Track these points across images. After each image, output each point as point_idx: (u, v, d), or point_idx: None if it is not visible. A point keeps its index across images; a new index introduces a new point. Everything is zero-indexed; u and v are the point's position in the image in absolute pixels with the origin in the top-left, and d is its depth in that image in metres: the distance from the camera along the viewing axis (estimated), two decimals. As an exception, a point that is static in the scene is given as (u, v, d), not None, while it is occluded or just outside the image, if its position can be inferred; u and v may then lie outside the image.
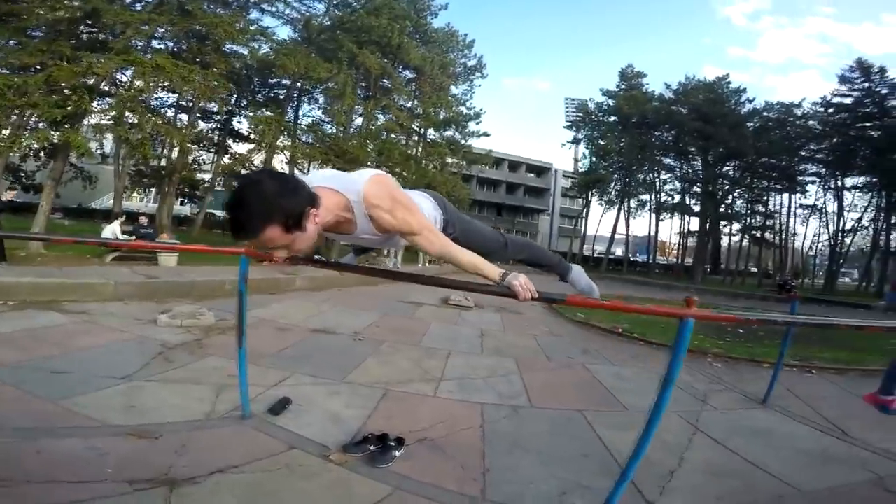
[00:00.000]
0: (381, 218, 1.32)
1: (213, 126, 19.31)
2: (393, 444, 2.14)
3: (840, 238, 28.54)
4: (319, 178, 1.40)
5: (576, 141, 34.98)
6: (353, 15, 17.44)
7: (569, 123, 34.22)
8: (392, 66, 18.77)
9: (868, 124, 25.37)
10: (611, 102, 31.13)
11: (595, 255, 39.44)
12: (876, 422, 3.26)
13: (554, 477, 2.20)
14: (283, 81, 18.34)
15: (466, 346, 4.95)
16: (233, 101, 17.38)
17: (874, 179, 26.06)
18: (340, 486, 1.88)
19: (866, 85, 25.07)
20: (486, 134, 22.57)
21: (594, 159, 32.75)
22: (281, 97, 18.80)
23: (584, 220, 36.45)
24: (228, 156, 19.28)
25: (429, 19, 21.39)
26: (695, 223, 31.86)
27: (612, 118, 31.45)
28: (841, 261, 29.95)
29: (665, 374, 1.89)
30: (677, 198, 31.58)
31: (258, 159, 17.81)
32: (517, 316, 7.48)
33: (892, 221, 26.16)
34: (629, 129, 29.93)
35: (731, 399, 3.98)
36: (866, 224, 27.77)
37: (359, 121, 18.53)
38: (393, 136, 18.06)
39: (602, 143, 31.71)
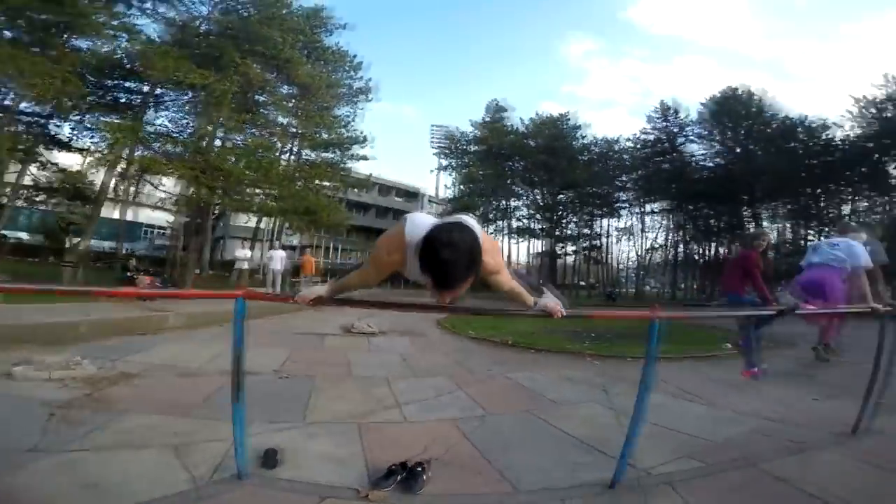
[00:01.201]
0: (487, 263, 1.54)
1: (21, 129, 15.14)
2: (420, 468, 2.18)
3: (645, 254, 36.21)
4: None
5: (442, 168, 37.44)
6: (243, 22, 15.98)
7: (437, 150, 36.47)
8: (275, 80, 17.55)
9: (662, 158, 33.01)
10: (477, 133, 34.28)
11: None
12: (727, 391, 4.46)
13: (555, 461, 2.55)
14: (142, 87, 15.52)
15: (398, 371, 5.01)
16: (76, 103, 14.07)
17: (667, 205, 33.85)
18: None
19: (664, 125, 32.81)
20: (365, 158, 22.38)
21: (462, 186, 35.22)
22: (136, 103, 15.83)
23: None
24: (39, 165, 15.61)
25: (323, 36, 20.66)
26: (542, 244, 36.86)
27: (477, 148, 34.49)
28: (642, 272, 37.84)
29: (644, 369, 2.42)
30: (526, 223, 36.01)
31: (100, 173, 14.74)
32: (423, 338, 7.73)
33: (678, 239, 34.32)
34: (491, 159, 33.15)
35: (624, 387, 4.85)
36: (662, 242, 35.73)
37: (233, 136, 16.76)
38: (270, 154, 16.66)
39: (467, 170, 34.35)
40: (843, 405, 3.87)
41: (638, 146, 33.56)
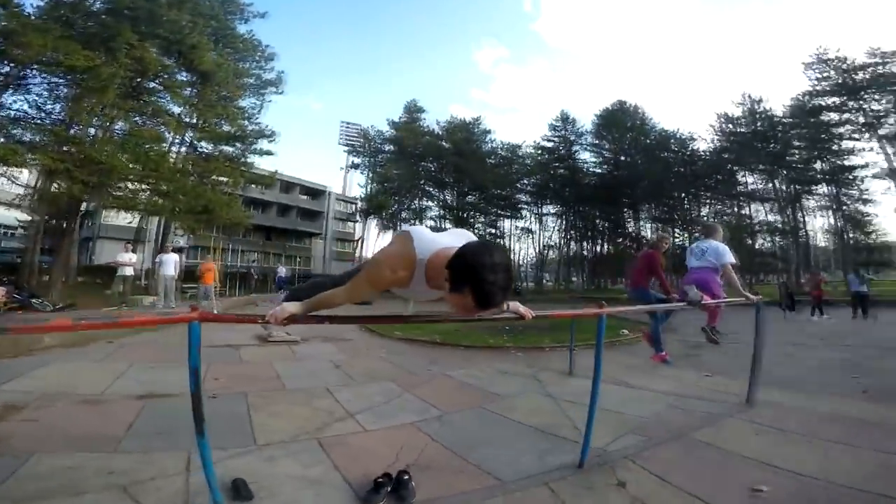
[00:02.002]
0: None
1: None
2: (406, 476, 2.12)
3: (543, 251, 39.03)
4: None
5: (354, 166, 36.34)
6: (149, 2, 13.70)
7: (349, 148, 35.17)
8: (174, 66, 15.34)
9: (558, 164, 35.87)
10: (394, 132, 33.77)
11: None
12: (637, 374, 5.02)
13: (521, 451, 2.69)
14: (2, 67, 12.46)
15: (335, 380, 4.79)
16: None
17: (561, 207, 36.83)
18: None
19: (562, 133, 35.61)
20: (269, 153, 20.75)
21: (376, 185, 34.58)
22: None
23: (363, 243, 37.91)
24: None
25: (236, 23, 18.71)
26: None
27: (392, 147, 34.05)
28: (540, 268, 40.88)
29: (595, 358, 2.65)
30: (437, 223, 36.62)
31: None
32: (348, 343, 7.48)
33: (570, 237, 37.62)
34: (405, 159, 33.03)
35: (551, 375, 5.23)
36: (557, 241, 38.88)
37: (118, 125, 14.23)
38: (158, 145, 14.51)
39: (382, 169, 33.79)
40: (728, 380, 4.66)
41: (538, 152, 36.20)
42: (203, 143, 18.88)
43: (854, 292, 12.92)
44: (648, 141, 34.16)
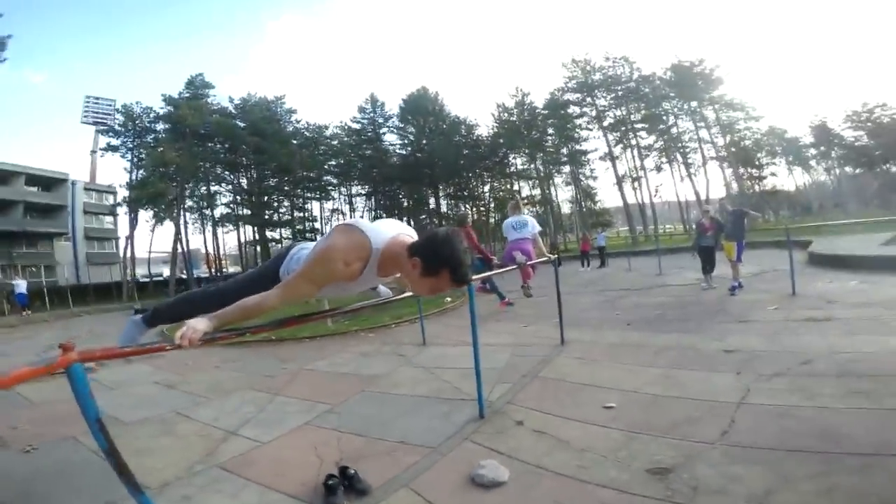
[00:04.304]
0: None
1: None
2: (350, 469, 2.17)
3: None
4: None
5: (111, 148, 28.32)
6: None
7: (101, 127, 27.08)
8: None
9: (366, 146, 35.98)
10: (172, 109, 27.32)
11: (154, 279, 33.45)
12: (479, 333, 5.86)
13: (428, 417, 3.06)
14: None
15: (181, 402, 4.11)
16: None
17: (369, 188, 37.38)
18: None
19: (371, 115, 35.46)
20: None
21: (148, 170, 27.79)
22: None
23: (131, 241, 30.55)
24: None
25: None
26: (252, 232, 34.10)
27: (167, 126, 27.79)
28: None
29: (471, 323, 3.12)
30: (235, 209, 32.46)
31: None
32: (161, 359, 6.28)
33: (378, 216, 38.72)
34: (187, 139, 27.54)
35: (409, 348, 5.66)
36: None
37: None
38: None
39: (155, 152, 27.34)
40: (539, 327, 5.95)
41: (346, 133, 35.75)
42: None
43: (598, 247, 17.60)
44: (444, 126, 37.64)
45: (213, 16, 78.52)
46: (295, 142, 32.95)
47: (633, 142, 36.15)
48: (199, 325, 1.42)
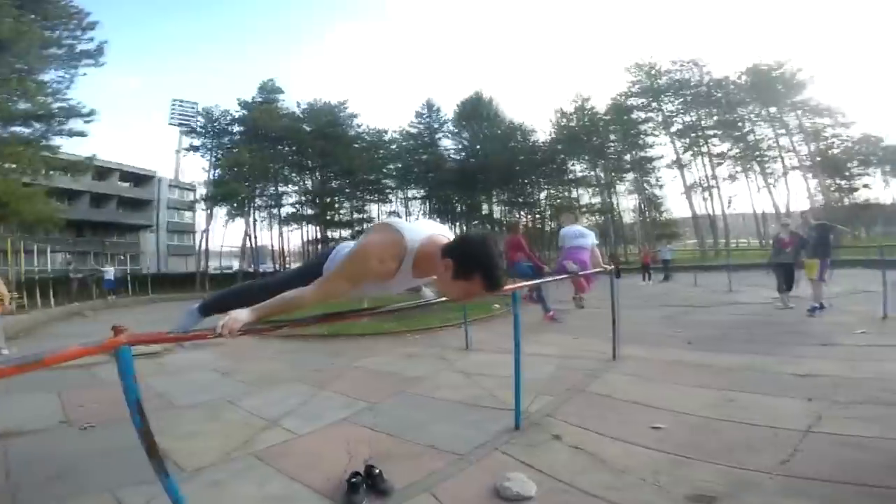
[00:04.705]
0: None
1: None
2: (374, 469, 2.15)
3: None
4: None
5: (193, 148, 31.32)
6: None
7: (185, 128, 30.10)
8: None
9: (423, 151, 36.80)
10: (245, 113, 29.88)
11: (224, 272, 36.19)
12: (524, 342, 5.67)
13: (460, 424, 2.96)
14: None
15: (232, 389, 4.35)
16: None
17: (424, 192, 38.03)
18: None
19: (427, 120, 36.42)
20: (82, 134, 16.52)
21: (224, 170, 30.43)
22: None
23: (206, 235, 33.37)
24: None
25: None
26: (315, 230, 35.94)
27: (242, 128, 30.32)
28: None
29: (514, 329, 3.00)
30: (298, 209, 34.42)
31: None
32: (224, 347, 6.71)
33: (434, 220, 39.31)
34: (260, 142, 29.84)
35: (452, 352, 5.60)
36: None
37: None
38: None
39: (235, 153, 29.97)
40: (591, 339, 5.64)
41: (404, 138, 36.75)
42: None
43: (663, 260, 16.62)
44: (499, 131, 37.45)
45: (282, 21, 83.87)
46: (356, 145, 34.15)
47: (705, 149, 33.80)
48: (240, 315, 1.49)
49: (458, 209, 39.64)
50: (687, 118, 34.24)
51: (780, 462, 2.06)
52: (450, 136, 38.57)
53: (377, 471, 2.15)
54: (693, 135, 33.70)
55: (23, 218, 14.45)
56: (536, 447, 2.52)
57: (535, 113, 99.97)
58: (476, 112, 37.07)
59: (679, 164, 33.91)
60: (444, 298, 2.02)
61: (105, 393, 4.37)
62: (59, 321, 12.84)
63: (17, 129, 14.97)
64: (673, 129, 34.32)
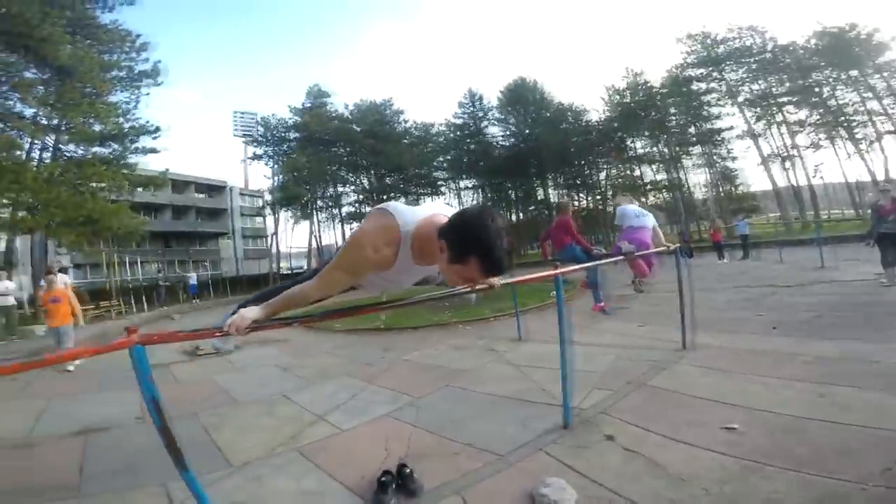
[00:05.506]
0: None
1: None
2: (406, 468, 2.07)
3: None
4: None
5: (256, 157, 33.59)
6: None
7: (248, 138, 32.32)
8: (23, 64, 12.53)
9: (470, 140, 36.60)
10: (298, 119, 31.56)
11: (294, 272, 38.71)
12: (578, 332, 5.31)
13: (503, 421, 2.80)
14: None
15: (289, 384, 4.51)
16: None
17: (477, 182, 37.73)
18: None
19: (471, 110, 36.25)
20: (154, 150, 18.22)
21: (285, 175, 32.32)
22: None
23: (275, 237, 35.68)
24: None
25: (97, 12, 15.76)
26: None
27: (297, 134, 31.93)
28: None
29: (559, 318, 2.76)
30: (357, 208, 35.69)
31: None
32: (286, 344, 7.07)
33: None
34: (314, 146, 31.24)
35: (504, 343, 5.41)
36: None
37: None
38: (11, 153, 11.97)
39: (293, 159, 31.61)
40: (659, 327, 5.18)
41: (450, 129, 36.66)
42: (72, 147, 16.13)
43: (740, 235, 15.13)
44: (548, 114, 36.12)
45: (321, 24, 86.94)
46: (405, 141, 34.63)
47: (779, 117, 30.28)
48: (248, 313, 1.48)
49: (513, 196, 38.93)
50: (755, 86, 30.87)
51: (883, 470, 1.69)
52: (496, 123, 37.93)
53: (408, 470, 2.07)
54: (764, 103, 30.30)
55: (113, 232, 16.21)
56: (585, 449, 2.30)
57: (582, 94, 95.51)
58: (521, 97, 36.02)
59: (752, 135, 30.68)
60: (460, 290, 1.85)
61: (180, 390, 4.73)
62: (150, 324, 14.27)
63: (97, 149, 16.77)
64: (740, 98, 31.11)
